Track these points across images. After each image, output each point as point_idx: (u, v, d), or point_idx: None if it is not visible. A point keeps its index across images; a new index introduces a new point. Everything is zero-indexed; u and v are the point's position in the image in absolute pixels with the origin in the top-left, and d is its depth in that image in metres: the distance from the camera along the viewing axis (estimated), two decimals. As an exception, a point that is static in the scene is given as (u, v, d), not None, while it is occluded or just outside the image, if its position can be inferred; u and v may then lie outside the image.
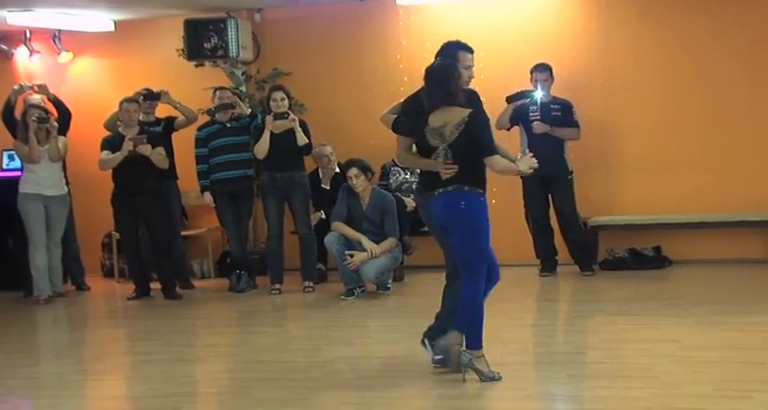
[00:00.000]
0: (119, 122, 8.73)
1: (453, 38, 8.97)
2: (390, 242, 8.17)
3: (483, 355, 5.16)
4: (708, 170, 8.91)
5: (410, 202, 8.96)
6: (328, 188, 9.03)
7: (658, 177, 9.00)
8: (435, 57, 5.41)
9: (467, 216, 5.14)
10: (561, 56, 8.93)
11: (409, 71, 9.53)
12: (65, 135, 9.00)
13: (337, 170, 9.10)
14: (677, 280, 8.37)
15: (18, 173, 9.00)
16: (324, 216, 8.98)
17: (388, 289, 8.28)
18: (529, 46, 9.15)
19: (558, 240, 8.70)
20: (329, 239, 8.21)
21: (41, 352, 7.19)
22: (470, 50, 5.48)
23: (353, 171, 8.14)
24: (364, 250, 8.04)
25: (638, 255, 8.81)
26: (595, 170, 9.11)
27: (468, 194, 5.13)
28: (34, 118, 8.62)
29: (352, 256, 8.03)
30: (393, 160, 9.18)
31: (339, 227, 8.20)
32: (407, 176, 9.17)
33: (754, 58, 8.78)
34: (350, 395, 5.20)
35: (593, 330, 6.67)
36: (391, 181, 9.14)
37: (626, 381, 5.11)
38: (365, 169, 8.20)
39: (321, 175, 9.15)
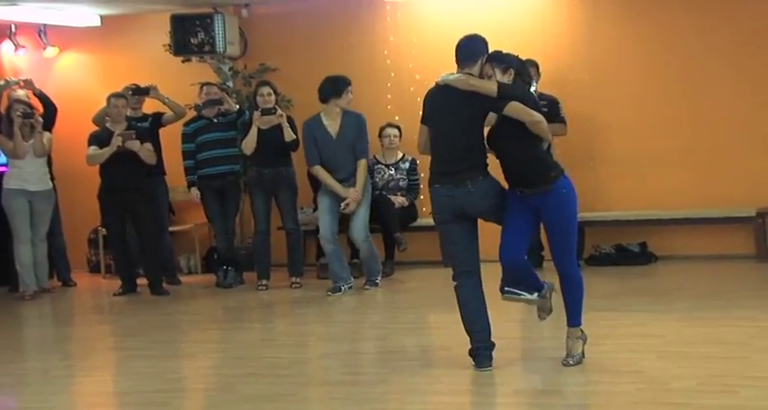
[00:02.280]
0: (106, 118, 8.71)
1: (440, 34, 9.11)
2: (362, 165, 8.07)
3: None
4: (693, 166, 8.94)
5: (397, 200, 8.96)
6: None
7: (644, 173, 9.04)
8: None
9: None
10: (547, 52, 8.95)
11: (396, 67, 9.56)
12: (51, 130, 8.98)
13: None
14: (663, 276, 8.41)
15: (3, 169, 8.96)
16: None
17: (377, 284, 8.28)
18: (515, 42, 9.08)
19: (544, 235, 8.69)
20: (325, 237, 8.12)
21: (27, 348, 7.17)
22: None
23: (350, 88, 8.04)
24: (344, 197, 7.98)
25: (623, 251, 8.85)
26: (581, 166, 9.09)
27: None
28: (19, 113, 8.58)
29: (346, 205, 7.97)
30: (375, 157, 9.14)
31: (318, 171, 8.05)
32: (393, 173, 9.15)
33: (739, 54, 8.82)
34: (337, 390, 5.20)
35: (579, 325, 6.68)
36: (377, 179, 9.10)
37: (612, 376, 5.13)
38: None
39: None
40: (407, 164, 9.16)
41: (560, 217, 5.29)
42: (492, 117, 5.27)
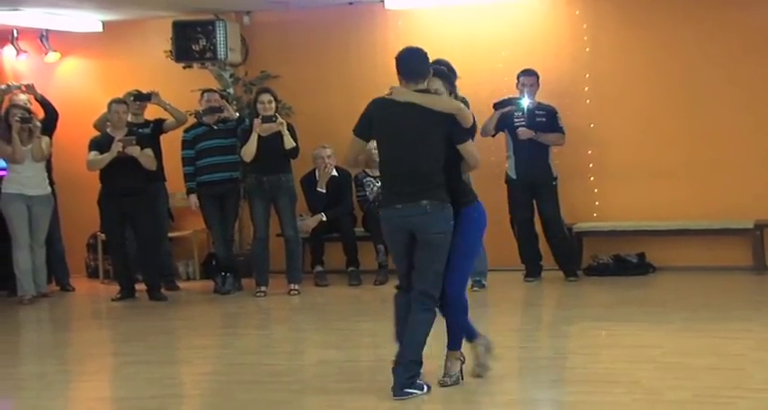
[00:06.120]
0: (107, 123, 8.73)
1: (441, 43, 9.13)
2: None
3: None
4: (692, 177, 8.96)
5: None
6: (324, 191, 9.02)
7: (642, 184, 9.05)
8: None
9: None
10: (548, 63, 8.97)
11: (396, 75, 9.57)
12: (51, 135, 9.00)
13: (334, 173, 9.07)
14: (660, 287, 8.42)
15: (2, 173, 8.97)
16: (324, 218, 8.99)
17: (483, 286, 8.17)
18: (516, 52, 9.20)
19: (543, 245, 8.73)
20: None
21: (24, 352, 7.17)
22: None
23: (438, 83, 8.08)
24: None
25: (621, 262, 8.85)
26: (580, 176, 9.15)
27: None
28: (17, 118, 8.60)
29: None
30: (364, 171, 9.12)
31: None
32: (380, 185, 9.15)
33: (739, 66, 8.84)
34: (334, 398, 5.20)
35: (576, 335, 6.71)
36: (367, 192, 9.14)
37: (608, 387, 5.14)
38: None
39: (317, 177, 9.11)
40: None
41: (465, 237, 5.15)
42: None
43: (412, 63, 5.16)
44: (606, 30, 9.17)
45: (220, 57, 9.38)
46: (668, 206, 8.96)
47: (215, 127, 8.78)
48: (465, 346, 5.33)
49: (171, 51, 9.52)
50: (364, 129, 5.16)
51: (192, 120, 9.02)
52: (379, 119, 5.14)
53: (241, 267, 9.06)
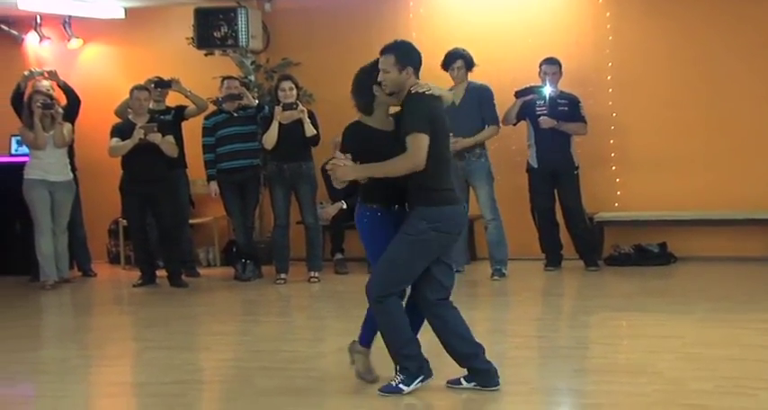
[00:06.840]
0: (129, 110, 8.76)
1: (463, 31, 9.10)
2: (487, 131, 8.26)
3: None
4: (714, 167, 8.90)
5: None
6: None
7: (664, 173, 9.00)
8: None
9: None
10: (570, 51, 8.92)
11: (418, 63, 9.54)
12: (74, 121, 9.04)
13: None
14: (682, 277, 8.37)
15: (25, 159, 9.02)
16: (345, 206, 8.97)
17: (503, 275, 8.22)
18: (538, 40, 9.15)
19: (564, 235, 8.70)
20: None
21: (46, 336, 7.23)
22: (382, 52, 5.09)
23: (458, 63, 8.08)
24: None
25: (643, 251, 8.81)
26: (602, 165, 9.11)
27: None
28: (39, 104, 8.64)
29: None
30: None
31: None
32: None
33: (762, 56, 8.77)
34: (353, 384, 5.21)
35: (597, 325, 6.69)
36: None
37: (630, 377, 5.12)
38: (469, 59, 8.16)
39: None
40: None
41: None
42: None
43: (418, 55, 5.08)
44: (629, 19, 9.11)
45: (242, 45, 9.39)
46: (690, 196, 8.91)
47: (235, 114, 8.79)
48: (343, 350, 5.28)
49: (192, 38, 9.53)
50: (428, 124, 4.78)
51: (212, 108, 9.03)
52: (434, 115, 4.83)
53: (261, 254, 9.09)
